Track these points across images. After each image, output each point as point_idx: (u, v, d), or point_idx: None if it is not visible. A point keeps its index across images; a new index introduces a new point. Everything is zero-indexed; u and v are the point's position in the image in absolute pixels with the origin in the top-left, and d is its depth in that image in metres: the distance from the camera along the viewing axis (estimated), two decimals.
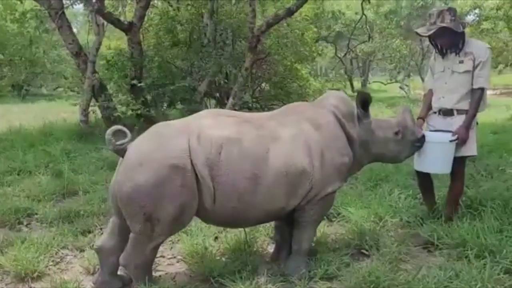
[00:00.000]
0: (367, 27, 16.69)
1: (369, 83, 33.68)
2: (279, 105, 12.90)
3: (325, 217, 4.87)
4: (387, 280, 3.36)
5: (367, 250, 4.07)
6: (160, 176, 3.17)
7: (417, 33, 4.55)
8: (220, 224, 3.78)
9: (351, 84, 23.08)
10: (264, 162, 3.38)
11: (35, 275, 3.83)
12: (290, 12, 9.92)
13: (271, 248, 4.29)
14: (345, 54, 20.70)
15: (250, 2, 9.73)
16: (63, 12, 10.34)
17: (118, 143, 3.36)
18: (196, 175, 3.25)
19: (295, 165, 3.47)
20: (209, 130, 3.37)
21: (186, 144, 3.26)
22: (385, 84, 27.96)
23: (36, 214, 5.38)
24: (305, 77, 12.77)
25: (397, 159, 4.21)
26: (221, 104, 12.27)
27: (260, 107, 11.93)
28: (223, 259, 4.03)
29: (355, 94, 4.13)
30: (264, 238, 4.51)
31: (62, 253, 4.38)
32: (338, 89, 13.24)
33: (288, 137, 3.55)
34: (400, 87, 22.78)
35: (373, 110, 14.74)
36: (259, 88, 12.95)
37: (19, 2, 11.87)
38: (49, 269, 4.03)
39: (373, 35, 20.94)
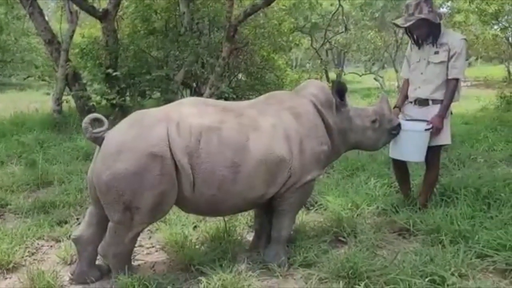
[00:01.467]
0: (343, 18, 16.80)
1: (344, 74, 33.96)
2: (256, 96, 12.90)
3: (303, 206, 4.94)
4: (364, 266, 3.42)
5: (344, 237, 4.14)
6: (139, 164, 3.15)
7: (395, 24, 4.62)
8: (199, 213, 3.78)
9: (327, 75, 23.17)
10: (244, 151, 3.39)
11: (10, 266, 3.77)
12: (267, 2, 9.88)
13: (250, 237, 4.32)
14: (322, 45, 20.79)
15: None
16: None
17: (95, 131, 3.32)
18: (176, 163, 3.23)
19: (275, 153, 3.49)
20: (189, 118, 3.35)
21: (165, 133, 3.24)
22: (360, 76, 28.23)
23: (10, 205, 5.26)
24: (282, 68, 12.79)
25: (375, 146, 4.28)
26: (197, 94, 12.15)
27: (237, 97, 11.85)
28: (203, 247, 4.04)
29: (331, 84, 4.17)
30: (243, 226, 4.54)
31: (38, 244, 4.31)
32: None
33: (268, 126, 3.57)
34: (375, 79, 23.06)
35: (349, 100, 14.88)
36: (236, 78, 12.90)
37: None
38: (25, 260, 3.96)
39: (348, 26, 21.07)
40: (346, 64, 39.66)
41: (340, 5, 14.38)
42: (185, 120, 3.33)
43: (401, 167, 4.88)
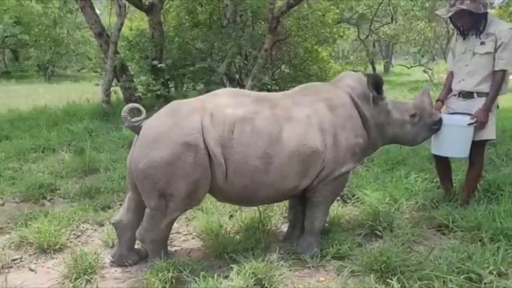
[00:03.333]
0: (390, 8, 16.30)
1: (392, 66, 33.13)
2: None
3: (339, 199, 4.92)
4: (398, 260, 3.37)
5: (380, 232, 4.08)
6: (173, 153, 3.24)
7: (437, 15, 4.47)
8: (232, 202, 3.84)
9: (373, 68, 22.65)
10: (276, 141, 3.41)
11: (57, 247, 4.00)
12: None
13: (285, 228, 4.35)
14: (367, 36, 20.30)
15: None
16: None
17: (133, 120, 3.44)
18: (209, 153, 3.30)
19: (308, 145, 3.49)
20: (223, 109, 3.41)
21: (199, 122, 3.31)
22: (408, 68, 27.44)
23: (59, 189, 5.55)
24: (325, 59, 12.63)
25: (414, 141, 4.18)
26: (240, 85, 12.26)
27: (279, 89, 11.84)
28: (237, 236, 4.11)
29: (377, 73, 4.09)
30: (278, 217, 4.58)
31: (83, 227, 4.54)
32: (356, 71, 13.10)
33: (302, 117, 3.56)
34: (424, 71, 22.30)
35: (395, 93, 14.52)
36: (278, 70, 12.88)
37: None
38: (70, 241, 4.19)
39: (397, 17, 20.45)
40: (395, 56, 38.65)
41: None
42: (219, 110, 3.39)
43: (442, 163, 4.74)
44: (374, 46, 25.33)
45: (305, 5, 11.27)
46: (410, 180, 5.30)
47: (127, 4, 11.05)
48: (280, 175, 3.44)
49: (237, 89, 3.95)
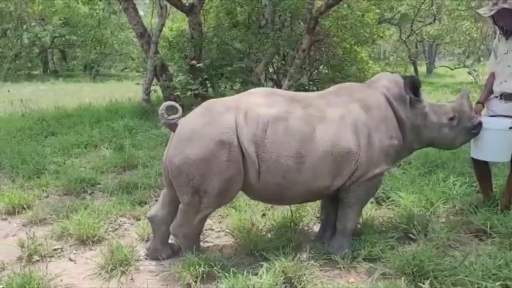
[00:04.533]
0: (433, 8, 15.86)
1: (435, 68, 32.22)
2: None
3: (374, 201, 4.86)
4: (431, 264, 3.31)
5: (414, 235, 4.00)
6: (207, 150, 3.31)
7: (478, 14, 4.34)
8: (264, 200, 3.88)
9: (415, 69, 22.03)
10: (309, 141, 3.42)
11: (95, 239, 4.16)
12: None
13: (317, 228, 4.35)
14: (408, 37, 19.82)
15: None
16: None
17: (169, 118, 3.54)
18: (242, 151, 3.35)
19: (341, 145, 3.48)
20: (257, 108, 3.45)
21: (233, 121, 3.37)
22: (452, 69, 26.60)
23: (99, 184, 5.77)
24: (364, 60, 12.46)
25: (451, 145, 4.08)
26: (277, 85, 12.30)
27: (317, 89, 11.78)
28: (269, 235, 4.14)
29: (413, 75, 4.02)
30: (310, 217, 4.58)
31: (120, 221, 4.70)
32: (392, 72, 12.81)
33: (336, 117, 3.56)
34: (469, 72, 21.56)
35: (437, 95, 14.12)
36: (316, 70, 12.82)
37: None
38: (107, 234, 4.35)
39: (441, 17, 19.88)
40: (439, 57, 37.57)
41: None
42: (253, 109, 3.44)
43: (482, 167, 4.59)
44: (416, 46, 24.69)
45: (345, 5, 11.15)
46: (448, 184, 5.16)
47: (168, 5, 11.31)
48: (312, 174, 3.45)
49: (271, 89, 3.98)
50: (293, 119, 3.46)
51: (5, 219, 4.81)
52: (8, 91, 12.14)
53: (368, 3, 11.78)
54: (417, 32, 20.15)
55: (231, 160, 3.34)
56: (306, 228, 4.36)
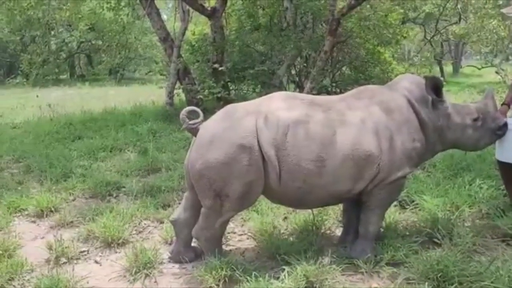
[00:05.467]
0: (459, 7, 15.53)
1: (462, 67, 31.56)
2: None
3: (397, 204, 4.81)
4: (456, 270, 3.25)
5: (438, 239, 3.93)
6: (228, 154, 3.34)
7: (502, 13, 4.25)
8: (285, 204, 3.88)
9: (440, 69, 21.60)
10: (330, 145, 3.42)
11: (120, 241, 4.25)
12: None
13: (339, 231, 4.32)
14: (433, 37, 19.47)
15: None
16: (153, 0, 10.94)
17: (191, 122, 3.59)
18: (263, 155, 3.37)
19: (362, 148, 3.46)
20: (277, 112, 3.47)
21: (253, 125, 3.39)
22: (479, 69, 26.00)
23: (124, 187, 5.88)
24: (388, 61, 12.32)
25: (475, 147, 4.01)
26: (300, 88, 12.27)
27: (340, 91, 11.71)
28: (291, 238, 4.15)
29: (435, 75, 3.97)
30: (333, 221, 4.56)
31: (144, 224, 4.78)
32: (412, 73, 12.59)
33: (356, 120, 3.54)
34: (496, 72, 21.00)
35: (464, 95, 13.83)
36: (339, 72, 12.74)
37: None
38: (132, 237, 4.44)
39: (467, 15, 19.44)
40: (465, 56, 36.80)
41: None
42: (273, 113, 3.45)
43: (508, 170, 4.47)
44: (442, 46, 24.22)
45: (367, 6, 11.05)
46: (474, 187, 5.06)
47: (191, 9, 11.43)
48: (334, 178, 3.44)
49: (292, 93, 3.99)
50: (314, 123, 3.46)
51: (34, 222, 4.95)
52: (37, 96, 12.49)
53: (391, 3, 11.64)
54: (442, 31, 19.75)
55: (251, 164, 3.36)
56: (328, 231, 4.35)
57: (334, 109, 3.60)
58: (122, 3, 12.63)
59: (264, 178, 3.42)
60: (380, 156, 3.50)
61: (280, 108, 3.51)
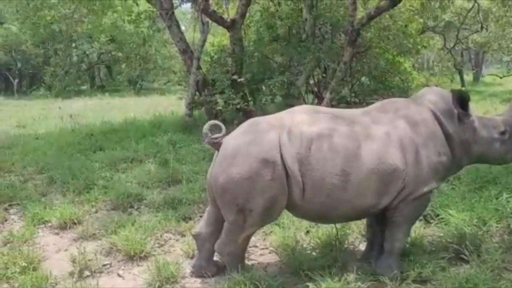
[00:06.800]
0: (480, 16, 15.33)
1: (483, 76, 31.10)
2: (379, 100, 12.47)
3: (422, 218, 4.70)
4: None
5: (466, 256, 3.84)
6: (251, 169, 3.32)
7: None
8: (309, 219, 3.84)
9: (461, 78, 21.27)
10: (354, 159, 3.37)
11: (142, 254, 4.26)
12: (393, 4, 9.54)
13: (362, 246, 4.26)
14: (454, 45, 19.22)
15: None
16: (173, 13, 11.07)
17: (213, 136, 3.59)
18: (286, 169, 3.34)
19: (387, 162, 3.41)
20: (300, 126, 3.44)
21: (276, 139, 3.37)
22: (500, 78, 25.59)
23: (145, 199, 5.90)
24: (408, 71, 12.20)
25: (503, 160, 3.92)
26: (319, 98, 12.23)
27: (359, 101, 11.65)
28: (314, 253, 4.09)
29: (462, 89, 3.91)
30: (356, 235, 4.49)
31: (166, 237, 4.78)
32: (437, 85, 12.43)
33: (381, 134, 3.49)
34: None
35: (485, 105, 13.61)
36: (358, 82, 12.67)
37: (135, 4, 12.95)
38: (154, 250, 4.43)
39: (488, 24, 19.18)
40: (486, 65, 36.26)
41: (475, 2, 13.17)
42: (297, 127, 3.43)
43: None
44: (462, 55, 23.89)
45: (387, 16, 10.98)
46: (501, 201, 4.94)
47: (210, 21, 11.51)
48: (358, 193, 3.39)
49: (315, 106, 3.96)
50: (338, 137, 3.43)
51: (57, 234, 5.00)
52: (59, 108, 12.70)
53: (411, 13, 11.55)
54: (462, 41, 19.47)
55: (275, 179, 3.33)
56: (352, 246, 4.28)
57: (358, 122, 3.56)
58: (143, 16, 12.81)
59: (288, 193, 3.39)
60: (405, 170, 3.45)
61: (303, 121, 3.48)
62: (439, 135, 3.59)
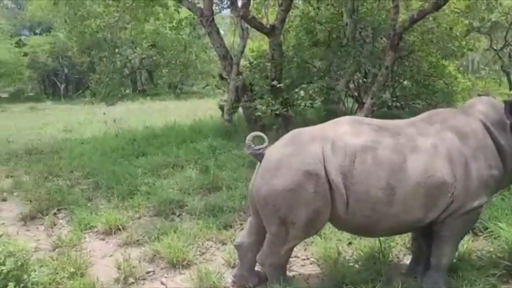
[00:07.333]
0: None
1: None
2: (422, 104, 12.14)
3: (470, 231, 4.53)
4: None
5: None
6: (294, 181, 3.30)
7: None
8: (353, 232, 3.77)
9: (509, 81, 20.35)
10: (400, 172, 3.29)
11: (184, 263, 4.31)
12: (437, 6, 9.25)
13: (407, 260, 4.15)
14: (503, 47, 18.45)
15: None
16: (213, 19, 11.21)
17: (256, 148, 3.59)
18: (330, 182, 3.30)
19: (435, 176, 3.30)
20: (344, 138, 3.39)
21: (320, 151, 3.34)
22: None
23: (186, 206, 5.99)
24: (452, 74, 11.81)
25: None
26: (358, 103, 12.04)
27: (401, 106, 11.36)
28: (356, 266, 4.02)
29: None
30: (400, 248, 4.38)
31: (207, 245, 4.83)
32: (487, 94, 11.95)
33: (428, 146, 3.39)
34: None
35: None
36: (400, 86, 12.37)
37: (176, 12, 13.23)
38: (196, 258, 4.48)
39: None
40: None
41: None
42: (340, 139, 3.38)
43: None
44: (510, 56, 22.88)
45: (430, 18, 10.66)
46: None
47: (249, 27, 11.57)
48: (404, 207, 3.31)
49: (358, 117, 3.90)
50: (383, 149, 3.35)
51: (103, 239, 5.15)
52: (104, 113, 13.16)
53: (456, 15, 11.16)
54: (510, 43, 18.64)
55: (318, 192, 3.30)
56: (396, 260, 4.18)
57: (404, 134, 3.47)
58: (184, 23, 13.03)
59: (331, 206, 3.35)
60: (454, 184, 3.33)
61: (347, 133, 3.43)
62: (490, 147, 3.45)
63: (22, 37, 36.69)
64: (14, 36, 34.53)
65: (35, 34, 38.10)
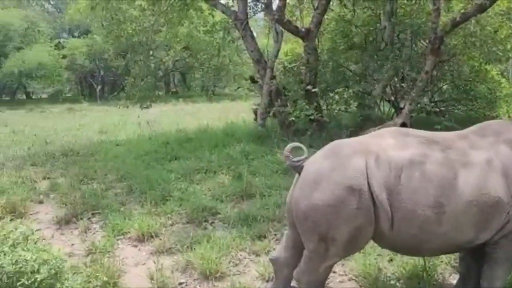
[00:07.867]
0: None
1: None
2: (462, 110, 11.67)
3: None
4: None
5: None
6: (335, 196, 3.12)
7: None
8: (397, 250, 3.55)
9: None
10: (450, 189, 3.06)
11: (218, 274, 4.19)
12: (481, 9, 8.87)
13: (453, 279, 3.91)
14: None
15: (434, 0, 8.98)
16: (247, 23, 11.13)
17: (295, 159, 3.42)
18: (373, 198, 3.11)
19: (489, 194, 3.06)
20: (389, 151, 3.19)
21: (363, 165, 3.14)
22: None
23: (219, 213, 5.89)
24: (496, 79, 11.29)
25: None
26: (395, 108, 11.69)
27: (440, 111, 10.94)
28: (398, 284, 3.83)
29: None
30: (445, 266, 4.14)
31: (240, 255, 4.70)
32: None
33: (481, 162, 3.15)
34: None
35: None
36: (439, 91, 11.94)
37: (211, 16, 13.23)
38: (229, 270, 4.36)
39: None
40: None
41: None
42: (385, 152, 3.18)
43: None
44: None
45: (473, 21, 10.22)
46: None
47: (284, 30, 11.42)
48: (454, 226, 3.08)
49: (404, 129, 3.68)
50: (431, 164, 3.13)
51: (136, 246, 5.10)
52: (138, 116, 13.31)
53: (501, 18, 10.67)
54: None
55: (361, 208, 3.11)
56: (441, 279, 3.94)
57: (454, 148, 3.24)
58: (218, 26, 13.02)
59: (374, 223, 3.15)
60: (510, 203, 3.08)
61: (392, 146, 3.23)
62: None
63: (61, 40, 37.81)
64: (54, 39, 35.59)
65: (74, 37, 39.20)
